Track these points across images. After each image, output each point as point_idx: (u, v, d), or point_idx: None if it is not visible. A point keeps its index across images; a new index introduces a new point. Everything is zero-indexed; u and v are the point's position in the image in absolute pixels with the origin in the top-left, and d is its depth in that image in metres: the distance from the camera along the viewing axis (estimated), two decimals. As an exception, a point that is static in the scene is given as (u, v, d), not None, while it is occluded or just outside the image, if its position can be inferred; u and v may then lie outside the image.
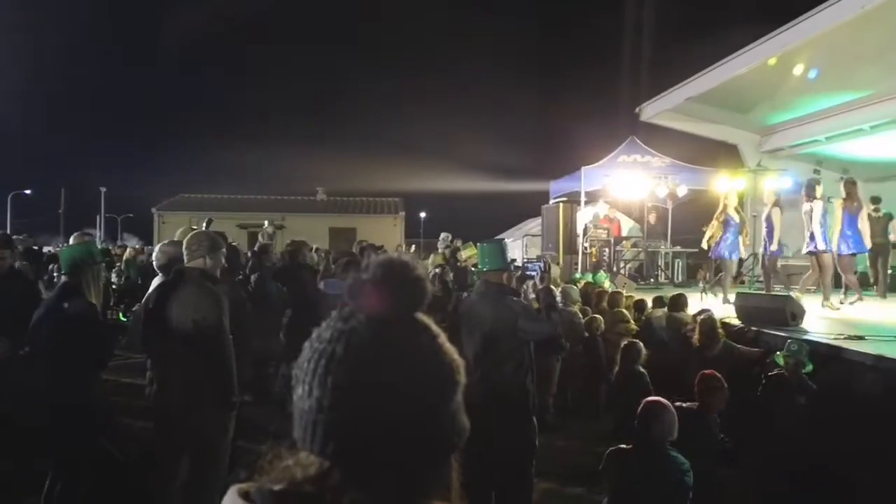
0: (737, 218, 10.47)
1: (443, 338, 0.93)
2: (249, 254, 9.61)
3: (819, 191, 9.30)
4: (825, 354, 5.85)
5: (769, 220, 10.28)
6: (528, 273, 11.85)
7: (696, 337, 6.71)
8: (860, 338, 6.15)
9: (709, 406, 4.63)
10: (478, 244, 4.68)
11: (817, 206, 9.21)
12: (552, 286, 8.80)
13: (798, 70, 11.40)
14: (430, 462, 0.88)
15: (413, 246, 17.42)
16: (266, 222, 13.02)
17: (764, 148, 15.09)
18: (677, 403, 4.32)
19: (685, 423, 4.12)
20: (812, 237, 9.19)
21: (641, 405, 3.82)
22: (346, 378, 0.85)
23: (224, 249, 4.40)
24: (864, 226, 9.25)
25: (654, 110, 15.46)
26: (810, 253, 9.31)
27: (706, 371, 4.84)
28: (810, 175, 14.42)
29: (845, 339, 6.13)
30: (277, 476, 0.86)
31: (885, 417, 4.52)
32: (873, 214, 11.14)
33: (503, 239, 4.84)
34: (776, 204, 10.32)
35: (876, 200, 11.66)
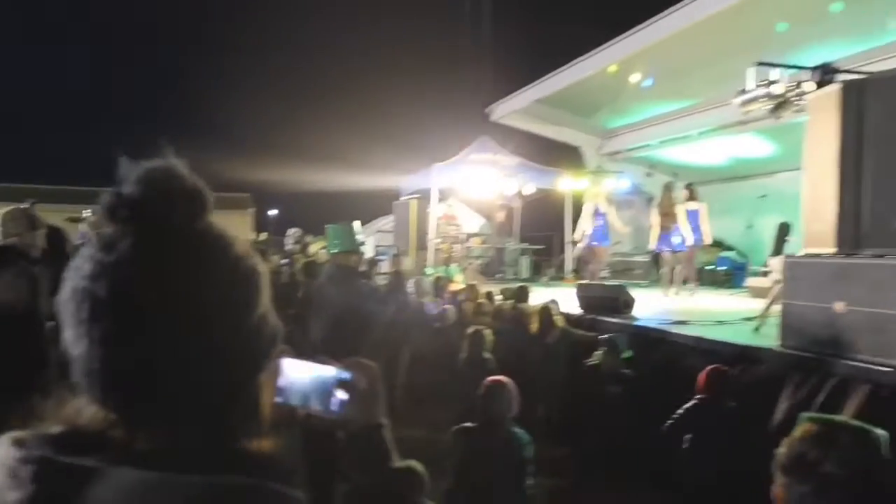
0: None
1: (237, 241, 0.78)
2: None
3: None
4: (653, 338, 6.29)
5: (603, 217, 11.22)
6: (378, 258, 11.90)
7: (534, 325, 7.02)
8: (683, 322, 6.66)
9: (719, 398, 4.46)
10: (327, 226, 4.61)
11: (703, 207, 10.38)
12: (402, 275, 8.82)
13: (635, 77, 12.13)
14: (234, 391, 0.75)
15: (265, 235, 16.94)
16: (88, 211, 11.79)
17: (603, 151, 15.90)
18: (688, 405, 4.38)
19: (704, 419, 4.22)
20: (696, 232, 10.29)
21: (483, 385, 3.91)
22: (115, 327, 0.68)
23: (44, 230, 4.09)
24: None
25: (503, 111, 15.86)
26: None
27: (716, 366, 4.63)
28: (644, 177, 15.54)
29: (670, 324, 6.61)
30: (59, 421, 0.71)
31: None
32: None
33: (353, 221, 4.78)
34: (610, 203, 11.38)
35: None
